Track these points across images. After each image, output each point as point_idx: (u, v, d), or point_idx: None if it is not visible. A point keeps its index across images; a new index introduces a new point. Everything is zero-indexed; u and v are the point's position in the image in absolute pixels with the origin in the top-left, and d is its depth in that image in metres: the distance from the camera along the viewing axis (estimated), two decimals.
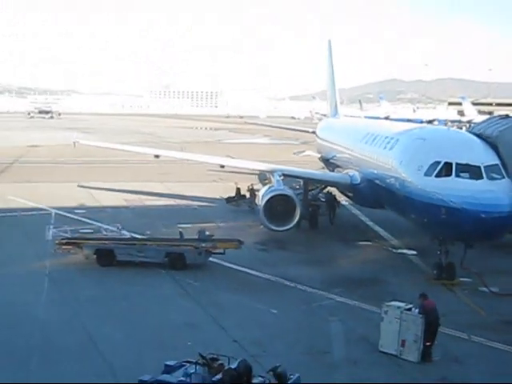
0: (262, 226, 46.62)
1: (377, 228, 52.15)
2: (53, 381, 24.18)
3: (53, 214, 54.29)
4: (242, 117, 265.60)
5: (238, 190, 61.16)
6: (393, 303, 27.98)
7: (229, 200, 61.52)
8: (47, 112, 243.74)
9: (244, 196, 60.91)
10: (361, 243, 47.77)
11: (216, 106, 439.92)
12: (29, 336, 28.72)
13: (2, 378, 24.53)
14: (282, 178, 48.96)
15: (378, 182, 44.74)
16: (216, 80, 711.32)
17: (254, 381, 21.37)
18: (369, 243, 47.99)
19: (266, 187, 47.99)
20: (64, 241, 41.39)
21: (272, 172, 51.62)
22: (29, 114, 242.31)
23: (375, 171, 45.69)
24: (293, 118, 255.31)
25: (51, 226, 48.73)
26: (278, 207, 45.01)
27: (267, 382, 21.32)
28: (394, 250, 45.83)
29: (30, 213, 55.33)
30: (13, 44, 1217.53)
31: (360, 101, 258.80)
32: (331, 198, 55.36)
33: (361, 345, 28.61)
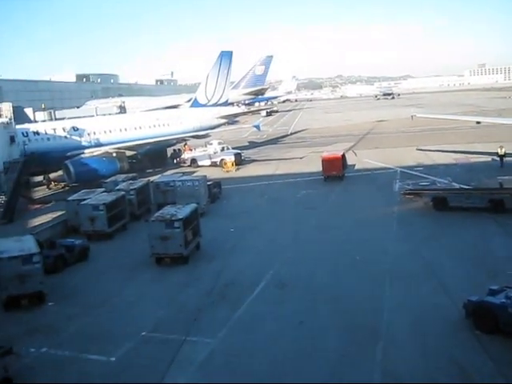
0: None
1: None
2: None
3: (398, 172, 54.69)
4: None
5: None
6: None
7: None
8: (389, 94, 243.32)
9: None
10: None
11: None
12: (382, 262, 29.70)
13: (362, 294, 25.74)
14: None
15: None
16: None
17: None
18: None
19: None
20: (407, 191, 42.03)
21: None
22: (375, 96, 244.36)
23: None
24: None
25: (397, 181, 49.45)
26: None
27: None
28: None
29: (380, 171, 56.22)
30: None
31: None
32: None
33: None
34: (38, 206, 53.03)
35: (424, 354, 20.03)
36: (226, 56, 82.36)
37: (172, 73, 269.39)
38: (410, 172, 53.46)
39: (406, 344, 20.84)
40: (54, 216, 45.56)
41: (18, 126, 56.36)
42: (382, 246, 32.44)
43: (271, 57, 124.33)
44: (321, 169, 53.79)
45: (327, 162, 53.52)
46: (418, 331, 21.73)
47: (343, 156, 55.05)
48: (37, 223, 44.25)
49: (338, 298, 25.38)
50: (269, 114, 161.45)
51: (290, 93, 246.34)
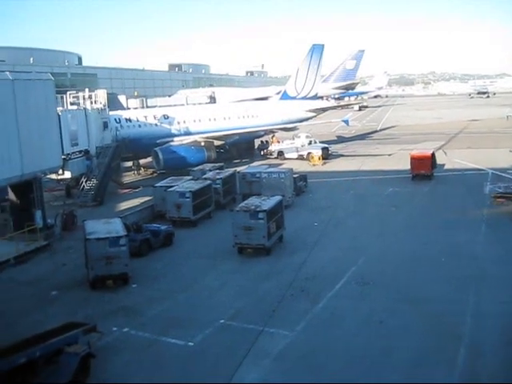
0: None
1: None
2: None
3: (489, 173, 52.82)
4: None
5: None
6: None
7: None
8: (484, 93, 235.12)
9: None
10: None
11: None
12: (468, 266, 28.81)
13: (445, 297, 24.98)
14: None
15: None
16: None
17: None
18: None
19: None
20: (498, 195, 40.49)
21: None
22: (469, 94, 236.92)
23: None
24: None
25: (488, 183, 47.77)
26: None
27: None
28: None
29: (470, 172, 54.48)
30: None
31: None
32: None
33: None
34: (127, 190, 54.62)
35: (509, 365, 19.26)
36: (318, 49, 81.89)
37: (262, 65, 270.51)
38: (503, 175, 51.46)
39: (489, 352, 20.10)
40: (142, 201, 46.88)
41: (111, 112, 58.03)
42: (469, 250, 31.48)
43: (363, 51, 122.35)
44: (409, 167, 52.69)
45: (416, 161, 52.34)
46: (503, 340, 20.91)
47: (433, 155, 53.66)
48: (125, 207, 45.67)
49: (419, 300, 24.79)
50: (360, 108, 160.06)
51: (380, 88, 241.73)
